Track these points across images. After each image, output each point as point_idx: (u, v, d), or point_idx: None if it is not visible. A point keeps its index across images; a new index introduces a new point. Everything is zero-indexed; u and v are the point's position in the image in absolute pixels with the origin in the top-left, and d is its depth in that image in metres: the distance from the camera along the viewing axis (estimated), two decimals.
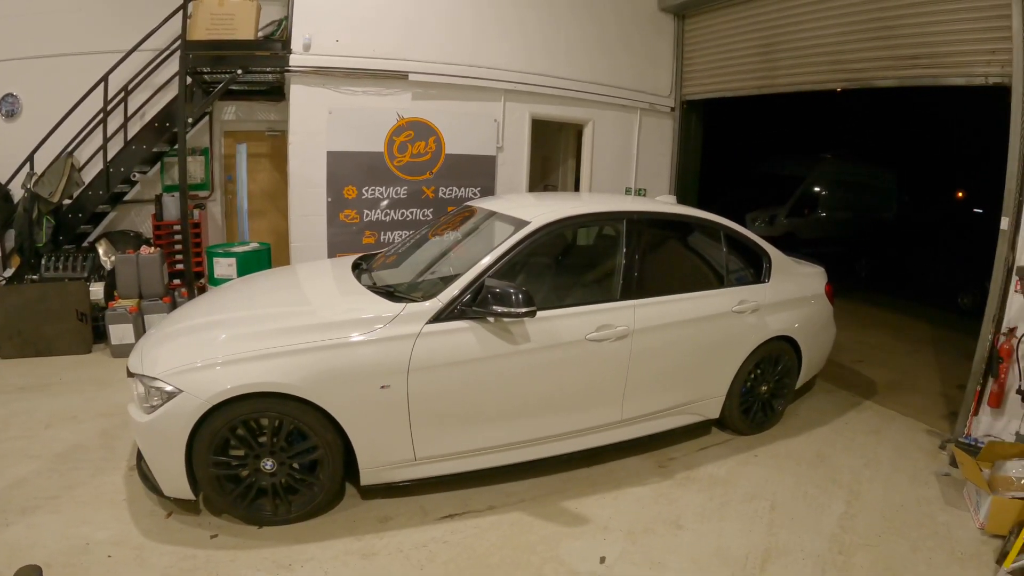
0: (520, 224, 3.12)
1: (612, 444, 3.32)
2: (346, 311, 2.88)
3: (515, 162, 6.21)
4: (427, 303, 2.80)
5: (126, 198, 6.15)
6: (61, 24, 5.83)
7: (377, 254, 3.96)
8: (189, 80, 5.40)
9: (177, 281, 5.88)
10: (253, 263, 5.20)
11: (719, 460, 3.55)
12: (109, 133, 5.56)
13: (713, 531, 2.86)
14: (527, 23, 6.02)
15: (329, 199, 5.43)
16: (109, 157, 5.50)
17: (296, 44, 5.13)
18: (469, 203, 3.98)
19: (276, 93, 6.34)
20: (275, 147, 6.71)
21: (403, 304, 2.81)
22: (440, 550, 2.62)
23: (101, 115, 5.56)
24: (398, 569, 2.50)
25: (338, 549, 2.59)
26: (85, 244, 5.82)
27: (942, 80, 4.40)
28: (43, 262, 5.13)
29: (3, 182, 5.58)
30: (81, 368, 4.65)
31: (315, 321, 2.79)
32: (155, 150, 5.75)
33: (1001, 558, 2.68)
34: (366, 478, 2.79)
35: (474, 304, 2.78)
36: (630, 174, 7.08)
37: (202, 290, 5.63)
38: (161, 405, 2.49)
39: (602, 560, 2.61)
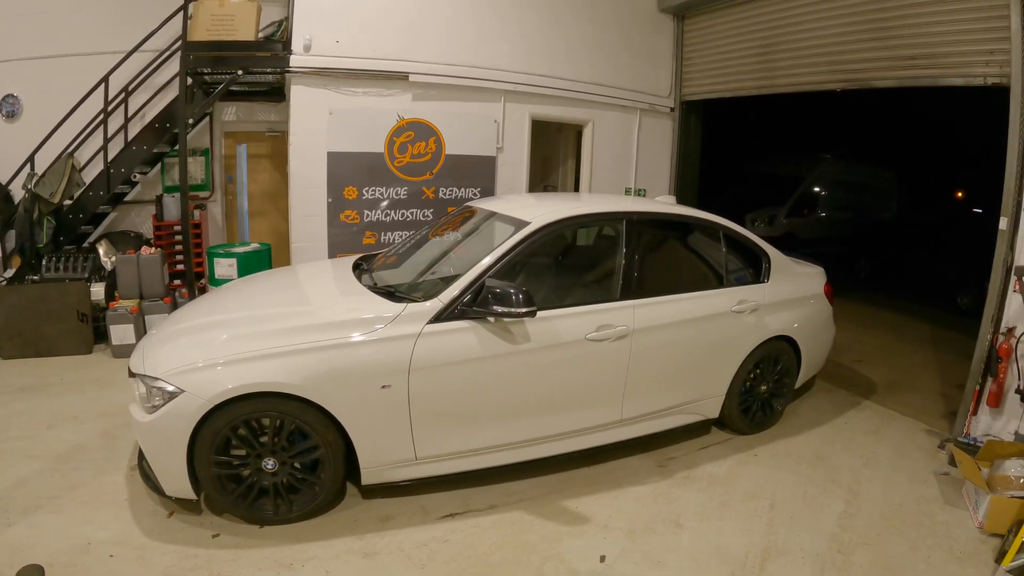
0: (520, 224, 3.13)
1: (612, 443, 3.33)
2: (347, 311, 2.89)
3: (515, 163, 6.21)
4: (428, 303, 2.81)
5: (127, 199, 6.16)
6: (61, 24, 5.84)
7: (378, 254, 3.97)
8: (189, 81, 5.41)
9: (178, 282, 5.89)
10: (254, 263, 5.20)
11: (719, 459, 3.56)
12: (110, 134, 5.56)
13: (713, 530, 2.87)
14: (527, 24, 6.03)
15: (329, 200, 5.44)
16: (110, 158, 5.51)
17: (296, 45, 5.14)
18: (469, 203, 3.99)
19: (276, 94, 6.34)
20: (275, 148, 6.72)
21: (404, 304, 2.82)
22: (441, 549, 2.63)
23: (102, 116, 5.56)
24: (399, 568, 2.51)
25: (339, 548, 2.60)
26: (86, 245, 5.83)
27: (941, 80, 4.41)
28: (44, 262, 5.13)
29: (4, 183, 5.58)
30: (82, 368, 4.66)
31: (316, 321, 2.80)
32: (156, 151, 5.76)
33: (1000, 557, 2.69)
34: (367, 477, 2.79)
35: (475, 304, 2.79)
36: (630, 174, 7.09)
37: (203, 290, 5.64)
38: (163, 405, 2.50)
39: (602, 559, 2.62)
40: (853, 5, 5.01)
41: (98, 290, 5.08)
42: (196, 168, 6.44)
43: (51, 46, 5.82)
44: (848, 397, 4.63)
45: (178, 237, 5.99)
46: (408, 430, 2.76)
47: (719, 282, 3.68)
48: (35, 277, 5.12)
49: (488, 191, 6.08)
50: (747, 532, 2.87)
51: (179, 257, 5.97)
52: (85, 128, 5.66)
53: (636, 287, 3.26)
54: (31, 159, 5.43)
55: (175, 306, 5.07)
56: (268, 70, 5.42)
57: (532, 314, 2.73)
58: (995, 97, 3.89)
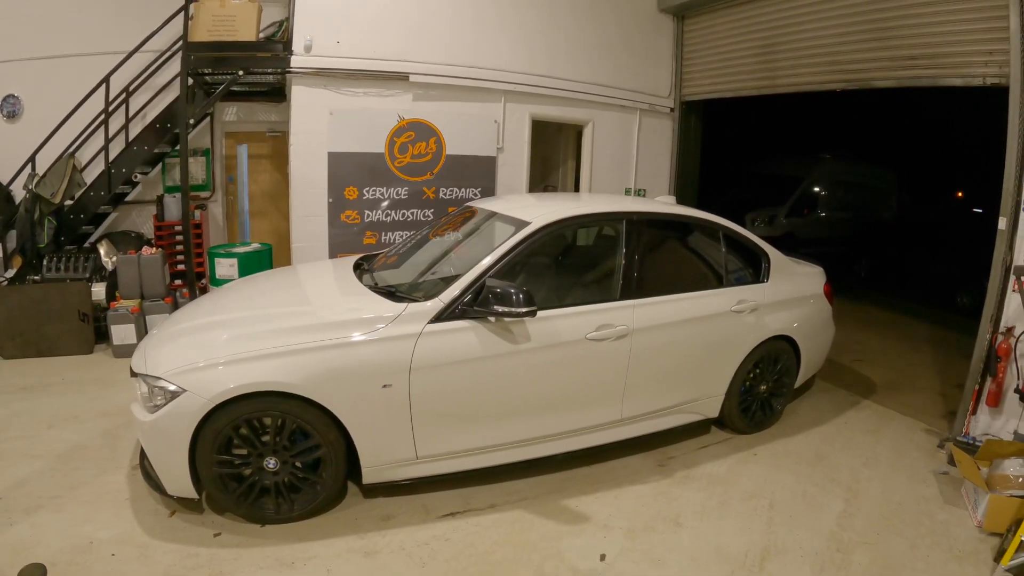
0: (520, 224, 3.14)
1: (612, 443, 3.34)
2: (348, 311, 2.90)
3: (515, 163, 6.22)
4: (428, 303, 2.82)
5: (127, 199, 6.17)
6: (63, 25, 5.85)
7: (378, 254, 3.98)
8: (190, 81, 5.42)
9: (179, 282, 5.90)
10: (254, 264, 5.22)
11: (718, 459, 3.56)
12: (111, 134, 5.57)
13: (712, 529, 2.88)
14: (527, 24, 6.04)
15: (330, 200, 5.45)
16: (111, 158, 5.52)
17: (297, 45, 5.15)
18: (470, 204, 4.00)
19: (277, 94, 6.35)
20: (276, 148, 6.73)
21: (405, 304, 2.83)
22: (442, 548, 2.64)
23: (103, 116, 5.57)
24: (400, 567, 2.52)
25: (340, 547, 2.61)
26: (87, 245, 5.84)
27: (940, 81, 4.42)
28: (45, 263, 5.14)
29: (5, 183, 5.60)
30: (83, 368, 4.67)
31: (317, 321, 2.81)
32: (156, 151, 5.77)
33: (999, 556, 2.70)
34: (368, 477, 2.80)
35: (475, 304, 2.80)
36: (630, 174, 7.10)
37: (204, 291, 5.65)
38: (165, 404, 2.51)
39: (602, 558, 2.63)
40: (853, 5, 5.02)
41: (99, 290, 5.09)
42: (197, 168, 6.45)
43: (52, 46, 5.83)
44: (848, 397, 4.64)
45: (179, 237, 6.00)
46: (409, 429, 2.77)
47: (719, 282, 3.69)
48: (36, 277, 5.13)
49: (488, 191, 6.08)
50: (747, 531, 2.88)
51: (180, 257, 5.98)
52: (86, 128, 5.67)
53: (636, 287, 3.27)
54: (32, 159, 5.44)
55: (176, 306, 5.08)
56: (269, 70, 5.43)
57: (532, 314, 2.74)
58: (995, 97, 3.90)
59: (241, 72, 5.28)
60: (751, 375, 3.79)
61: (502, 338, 2.86)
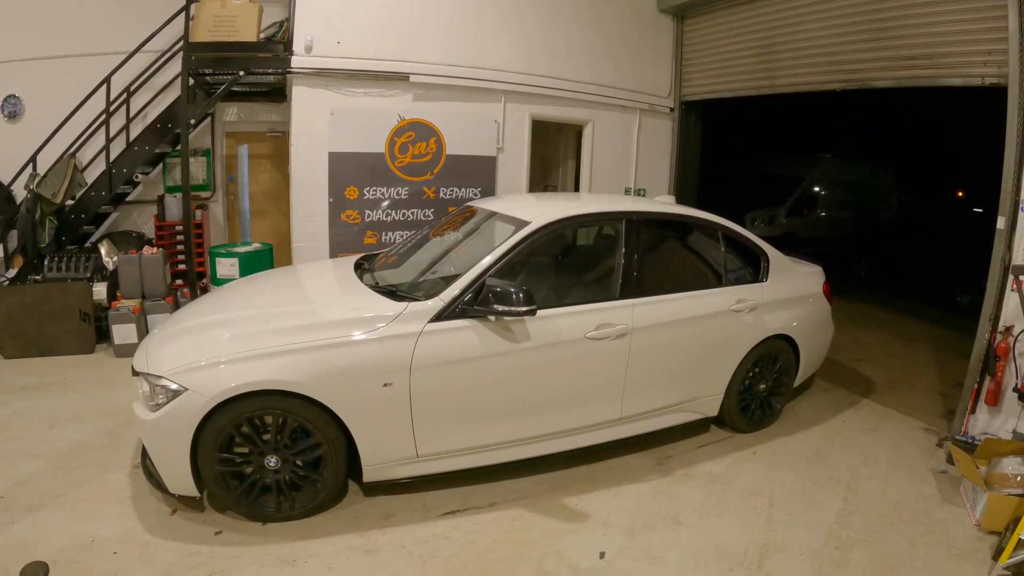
0: (520, 224, 3.15)
1: (612, 441, 3.35)
2: (349, 310, 2.92)
3: (515, 163, 6.23)
4: (429, 302, 2.84)
5: (128, 199, 6.19)
6: (63, 25, 5.86)
7: (379, 254, 3.99)
8: (191, 81, 5.43)
9: (179, 281, 5.91)
10: (255, 263, 5.23)
11: (718, 457, 3.57)
12: (111, 134, 5.59)
13: (711, 527, 2.89)
14: (527, 24, 6.05)
15: (331, 200, 5.46)
16: (111, 158, 5.53)
17: (298, 46, 5.16)
18: (470, 203, 4.01)
19: (278, 94, 6.37)
20: (277, 148, 6.75)
21: (405, 303, 2.84)
22: (442, 546, 2.65)
23: (104, 116, 5.59)
24: (401, 565, 2.53)
25: (341, 545, 2.62)
26: (88, 245, 5.85)
27: (939, 81, 4.43)
28: (46, 262, 5.15)
29: (6, 183, 5.62)
30: (84, 368, 4.68)
31: (318, 320, 2.82)
32: (157, 151, 5.79)
33: (997, 554, 2.71)
34: (369, 475, 2.81)
35: (475, 303, 2.82)
36: (630, 174, 7.11)
37: (204, 290, 5.66)
38: (166, 403, 2.52)
39: (602, 555, 2.64)
40: (852, 6, 5.03)
41: (100, 290, 5.10)
42: (198, 168, 6.47)
43: (53, 47, 5.85)
44: (847, 396, 4.65)
45: (180, 237, 6.02)
46: (409, 428, 2.78)
47: (718, 281, 3.70)
48: (37, 277, 5.14)
49: (488, 191, 6.10)
50: (746, 529, 2.89)
51: (181, 257, 6.00)
52: (87, 128, 5.69)
53: (635, 286, 3.28)
54: (33, 159, 5.46)
55: (177, 306, 5.09)
56: (270, 71, 5.45)
57: (532, 313, 2.75)
58: (994, 97, 3.91)
59: (242, 72, 5.29)
60: (750, 374, 3.80)
61: (502, 337, 2.87)
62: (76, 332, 4.94)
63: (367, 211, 5.62)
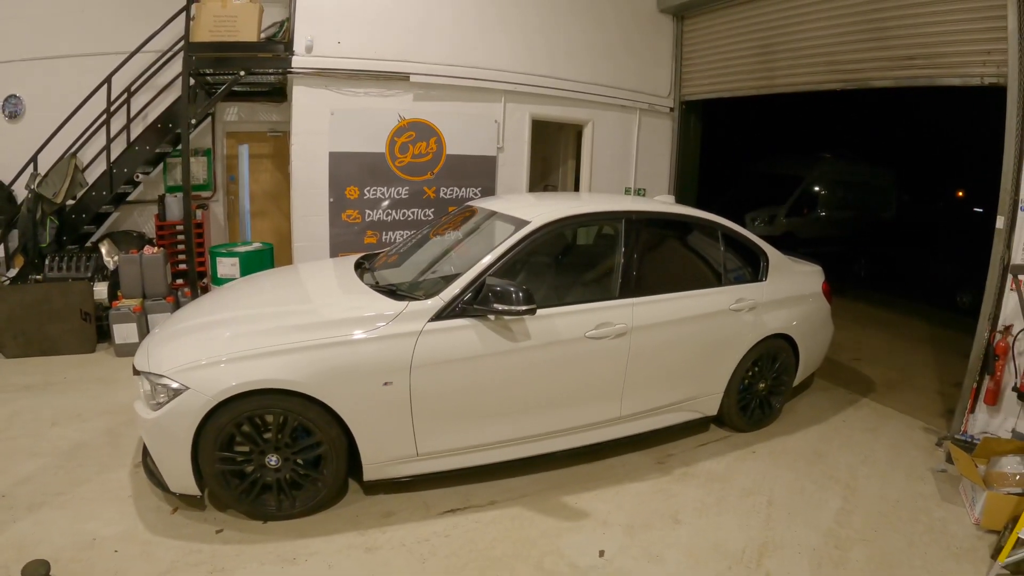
0: (520, 224, 3.15)
1: (611, 440, 3.36)
2: (349, 309, 2.93)
3: (515, 162, 6.24)
4: (429, 301, 2.84)
5: (129, 198, 6.20)
6: (64, 25, 5.88)
7: (379, 253, 4.00)
8: (192, 81, 5.44)
9: (180, 281, 5.92)
10: (256, 263, 5.24)
11: (717, 456, 3.58)
12: (112, 134, 5.60)
13: (711, 525, 2.90)
14: (528, 24, 6.06)
15: (331, 199, 5.47)
16: (112, 158, 5.55)
17: (298, 46, 5.17)
18: (470, 203, 4.02)
19: (278, 94, 6.38)
20: (277, 148, 6.76)
21: (405, 302, 2.85)
22: (442, 544, 2.66)
23: (104, 116, 5.60)
24: (401, 563, 2.54)
25: (341, 543, 2.63)
26: (88, 244, 5.86)
27: (938, 80, 4.43)
28: (47, 262, 5.16)
29: (7, 183, 5.63)
30: (85, 367, 4.69)
31: (318, 319, 2.83)
32: (158, 151, 5.80)
33: (996, 553, 2.71)
34: (369, 473, 2.82)
35: (475, 302, 2.82)
36: (629, 174, 7.12)
37: (205, 290, 5.67)
38: (167, 402, 2.53)
39: (601, 554, 2.65)
40: (851, 6, 5.04)
41: (101, 289, 5.11)
42: (198, 168, 6.48)
43: (54, 47, 5.86)
44: (846, 395, 4.65)
45: (180, 237, 6.03)
46: (410, 426, 2.79)
47: (717, 280, 3.71)
48: (38, 276, 5.15)
49: (489, 191, 6.10)
50: (745, 527, 2.89)
51: (181, 256, 6.01)
52: (88, 128, 5.71)
53: (635, 285, 3.28)
54: (34, 159, 5.47)
55: (178, 305, 5.11)
56: (270, 71, 5.46)
57: (532, 312, 2.76)
58: (994, 96, 3.91)
59: (242, 72, 5.30)
60: (750, 373, 3.80)
61: (502, 336, 2.88)
62: (77, 331, 4.95)
63: (367, 211, 5.63)
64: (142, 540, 2.59)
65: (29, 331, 4.84)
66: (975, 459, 3.33)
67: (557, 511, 2.94)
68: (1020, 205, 3.62)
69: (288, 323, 2.76)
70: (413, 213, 5.80)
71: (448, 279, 2.97)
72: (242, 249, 5.42)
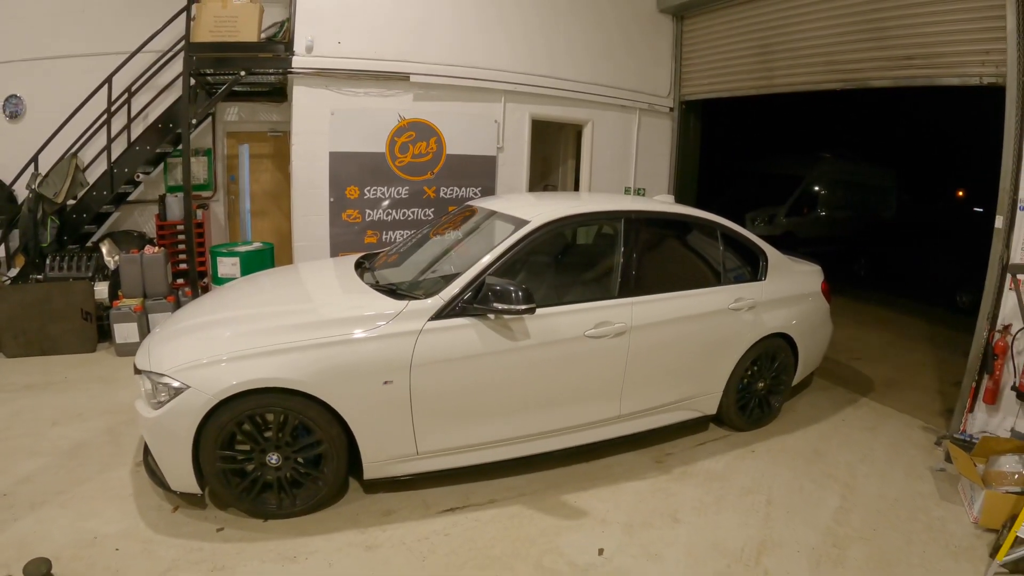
0: (520, 223, 3.16)
1: (610, 439, 3.37)
2: (349, 308, 2.93)
3: (515, 162, 6.25)
4: (429, 300, 2.85)
5: (130, 198, 6.22)
6: (65, 25, 5.89)
7: (379, 253, 4.01)
8: (192, 81, 5.45)
9: (181, 280, 5.93)
10: (256, 262, 5.24)
11: (716, 455, 3.59)
12: (113, 134, 5.61)
13: (709, 524, 2.91)
14: (528, 24, 6.07)
15: (331, 199, 5.48)
16: (113, 158, 5.56)
17: (299, 46, 5.18)
18: (470, 203, 4.03)
19: (278, 94, 6.39)
20: (277, 148, 6.77)
21: (405, 302, 2.86)
22: (442, 542, 2.67)
23: (105, 116, 5.61)
24: (401, 561, 2.54)
25: (342, 541, 2.64)
26: (89, 244, 5.87)
27: (937, 80, 4.44)
28: (48, 262, 5.18)
29: (8, 183, 5.64)
30: (86, 366, 4.70)
31: (319, 318, 2.84)
32: (158, 151, 5.81)
33: (994, 551, 2.72)
34: (369, 472, 2.83)
35: (475, 301, 2.83)
36: (629, 174, 7.13)
37: (206, 289, 5.68)
38: (168, 401, 2.54)
39: (600, 552, 2.66)
40: (850, 6, 5.04)
41: (102, 289, 5.13)
42: (199, 168, 6.49)
43: (54, 47, 5.87)
44: (846, 394, 4.66)
45: (181, 236, 6.04)
46: (410, 425, 2.80)
47: (717, 280, 3.72)
48: (39, 276, 5.17)
49: (489, 190, 6.11)
50: (744, 526, 2.90)
51: (182, 256, 6.02)
52: (88, 128, 5.72)
53: (634, 285, 3.29)
54: (35, 159, 5.48)
55: (178, 305, 5.12)
56: (270, 71, 5.47)
57: (532, 311, 2.77)
58: (994, 96, 3.92)
59: (243, 72, 5.31)
60: (749, 372, 3.81)
61: (502, 335, 2.89)
62: (78, 331, 4.96)
63: (368, 210, 5.64)
64: (143, 538, 2.60)
65: (30, 331, 4.85)
66: (974, 458, 3.34)
67: (556, 510, 2.95)
68: (1019, 204, 3.63)
69: (288, 322, 2.77)
70: (413, 213, 5.81)
71: (448, 278, 2.98)
72: (242, 249, 5.43)
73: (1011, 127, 3.65)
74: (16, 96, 5.88)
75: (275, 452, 2.68)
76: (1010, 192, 3.65)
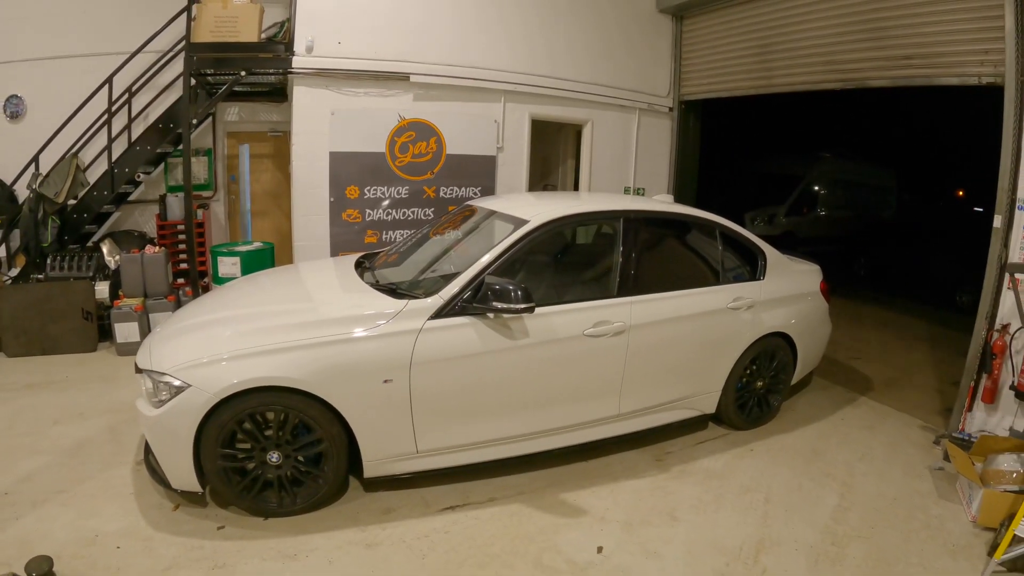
0: (519, 223, 3.17)
1: (610, 438, 3.38)
2: (349, 307, 2.95)
3: (515, 162, 6.26)
4: (429, 300, 2.86)
5: (130, 198, 6.23)
6: (66, 25, 5.89)
7: (379, 253, 4.02)
8: (193, 82, 5.46)
9: (181, 280, 5.94)
10: (256, 262, 5.25)
11: (715, 454, 3.60)
12: (114, 134, 5.62)
13: (708, 522, 2.92)
14: (527, 25, 6.08)
15: (331, 199, 5.49)
16: (114, 158, 5.57)
17: (299, 46, 5.19)
18: (469, 202, 4.04)
19: (279, 94, 6.40)
20: (278, 148, 6.78)
21: (405, 301, 2.87)
22: (441, 540, 2.68)
23: (106, 116, 5.62)
24: (400, 558, 2.56)
25: (342, 539, 2.65)
26: (90, 244, 5.88)
27: (935, 80, 4.45)
28: (48, 262, 5.19)
29: (9, 183, 5.65)
30: (87, 366, 4.71)
31: (319, 317, 2.85)
32: (159, 151, 5.82)
33: (992, 550, 2.72)
34: (369, 470, 2.84)
35: (475, 300, 2.84)
36: (629, 174, 7.14)
37: (206, 289, 5.69)
38: (170, 399, 2.55)
39: (599, 550, 2.67)
40: (849, 6, 5.05)
41: (102, 289, 5.14)
42: (199, 168, 6.50)
43: (55, 47, 5.88)
44: (844, 393, 4.67)
45: (181, 236, 6.05)
46: (409, 424, 2.81)
47: (715, 279, 3.73)
48: (40, 276, 5.18)
49: (488, 190, 6.12)
50: (742, 524, 2.91)
51: (183, 256, 6.02)
52: (89, 128, 5.72)
53: (633, 284, 3.30)
54: (36, 159, 5.49)
55: (179, 304, 5.13)
56: (271, 71, 5.47)
57: (531, 310, 2.78)
58: (993, 96, 3.93)
59: (243, 72, 5.32)
60: (748, 371, 3.82)
61: (501, 334, 2.90)
62: (79, 331, 4.98)
63: (368, 210, 5.65)
64: (144, 536, 2.61)
65: (31, 330, 4.86)
66: (972, 457, 3.35)
67: (555, 508, 2.96)
68: (1018, 204, 3.64)
69: (289, 321, 2.78)
70: (413, 212, 5.82)
71: (448, 278, 2.99)
72: (243, 248, 5.44)
73: (1009, 126, 3.66)
74: (17, 96, 5.89)
75: (276, 450, 2.69)
76: (1008, 191, 3.66)
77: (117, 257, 5.50)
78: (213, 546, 2.57)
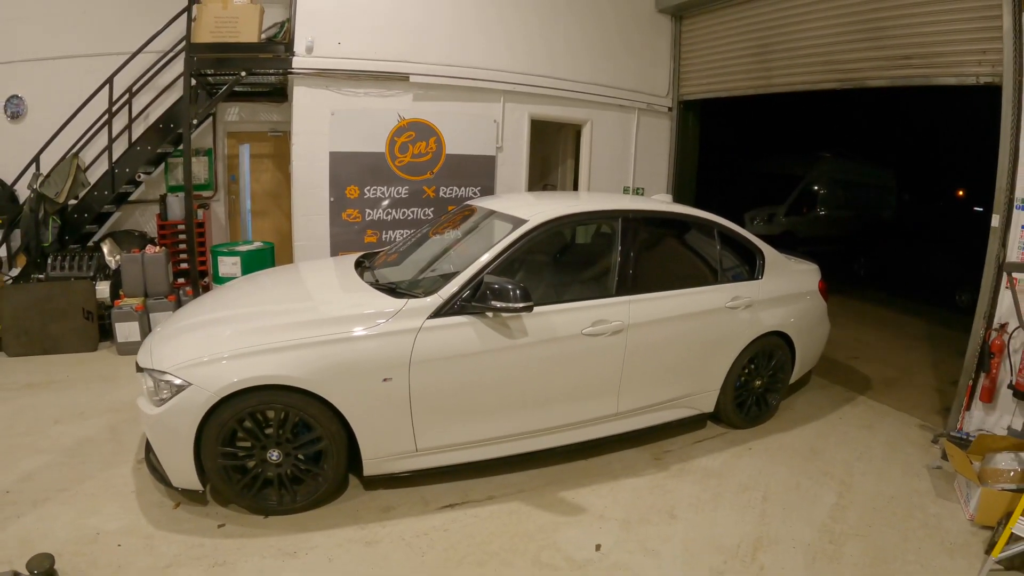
0: (518, 222, 3.18)
1: (608, 436, 3.39)
2: (349, 307, 2.96)
3: (514, 162, 6.27)
4: (428, 299, 2.88)
5: (131, 198, 6.24)
6: (66, 26, 5.91)
7: (379, 252, 4.04)
8: (193, 82, 5.47)
9: (182, 280, 5.96)
10: (257, 262, 5.26)
11: (713, 453, 3.61)
12: (114, 134, 5.64)
13: (706, 521, 2.93)
14: (527, 25, 6.09)
15: (331, 199, 5.51)
16: (114, 158, 5.58)
17: (299, 46, 5.20)
18: (469, 202, 4.05)
19: (279, 94, 6.42)
20: (278, 148, 6.79)
21: (405, 300, 2.88)
22: (440, 538, 2.69)
23: (106, 116, 5.64)
24: (400, 556, 2.57)
25: (342, 537, 2.66)
26: (91, 244, 5.90)
27: (934, 80, 4.46)
28: (49, 261, 5.21)
29: (9, 183, 5.66)
30: (87, 365, 4.73)
31: (319, 316, 2.86)
32: (159, 151, 5.83)
33: (989, 548, 2.73)
34: (369, 469, 2.86)
35: (474, 300, 2.85)
36: (628, 173, 7.15)
37: (206, 288, 5.71)
38: (170, 398, 2.56)
39: (598, 548, 2.68)
40: (848, 6, 5.06)
41: (103, 288, 5.15)
42: (200, 168, 6.51)
43: (56, 47, 5.89)
44: (843, 393, 4.68)
45: (182, 236, 6.06)
46: (409, 422, 2.82)
47: (714, 278, 3.74)
48: (41, 276, 5.19)
49: (488, 190, 6.13)
50: (740, 522, 2.92)
51: (183, 256, 6.04)
52: (90, 128, 5.73)
53: (632, 283, 3.31)
54: (36, 159, 5.51)
55: (179, 304, 5.14)
56: (271, 71, 5.49)
57: (529, 309, 2.79)
58: (992, 96, 3.93)
59: (243, 73, 5.33)
60: (746, 370, 3.83)
61: (500, 333, 2.91)
62: (79, 330, 4.99)
63: (367, 210, 5.66)
64: (145, 534, 2.63)
65: (32, 330, 4.88)
66: (970, 456, 3.36)
67: (554, 506, 2.98)
68: (1016, 203, 3.65)
69: (289, 320, 2.79)
70: (413, 212, 5.83)
71: (447, 277, 3.00)
72: (243, 248, 5.45)
73: (1007, 126, 3.67)
74: (17, 96, 5.90)
75: (276, 449, 2.71)
76: (1006, 191, 3.67)
77: (118, 257, 5.51)
78: (214, 544, 2.58)
